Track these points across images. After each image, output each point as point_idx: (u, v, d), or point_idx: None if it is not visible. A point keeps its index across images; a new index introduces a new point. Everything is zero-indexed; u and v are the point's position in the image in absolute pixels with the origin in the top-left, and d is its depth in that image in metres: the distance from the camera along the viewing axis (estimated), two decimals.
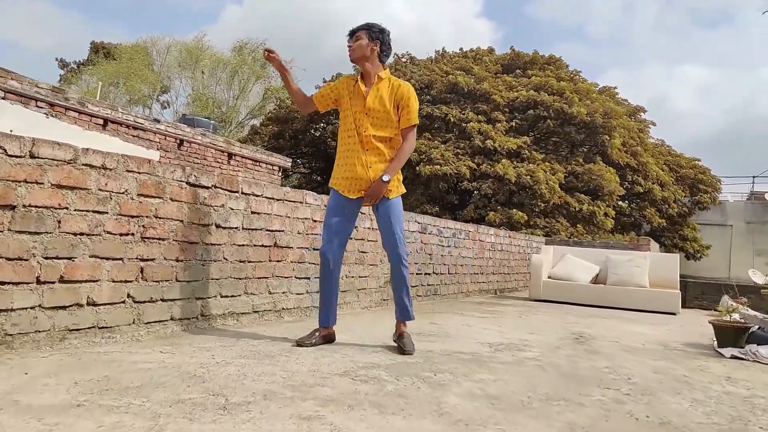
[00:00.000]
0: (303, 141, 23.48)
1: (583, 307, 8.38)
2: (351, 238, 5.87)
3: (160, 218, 3.81)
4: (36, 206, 3.11)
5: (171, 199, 3.90)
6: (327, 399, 2.60)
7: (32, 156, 3.09)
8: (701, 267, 24.40)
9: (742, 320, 5.17)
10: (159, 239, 3.80)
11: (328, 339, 3.99)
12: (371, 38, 3.91)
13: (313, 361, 3.37)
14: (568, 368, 3.74)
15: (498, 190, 15.68)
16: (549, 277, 9.20)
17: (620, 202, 20.28)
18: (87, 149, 3.35)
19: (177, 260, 3.94)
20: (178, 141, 11.79)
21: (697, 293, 21.58)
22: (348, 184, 3.87)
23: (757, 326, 5.02)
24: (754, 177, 34.51)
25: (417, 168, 15.99)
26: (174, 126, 12.14)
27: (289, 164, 16.62)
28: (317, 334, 3.93)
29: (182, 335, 3.84)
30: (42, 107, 8.82)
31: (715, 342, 5.04)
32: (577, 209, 16.22)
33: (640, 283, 8.70)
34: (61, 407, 2.22)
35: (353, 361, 3.45)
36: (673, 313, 8.37)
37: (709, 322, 5.25)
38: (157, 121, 11.60)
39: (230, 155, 13.25)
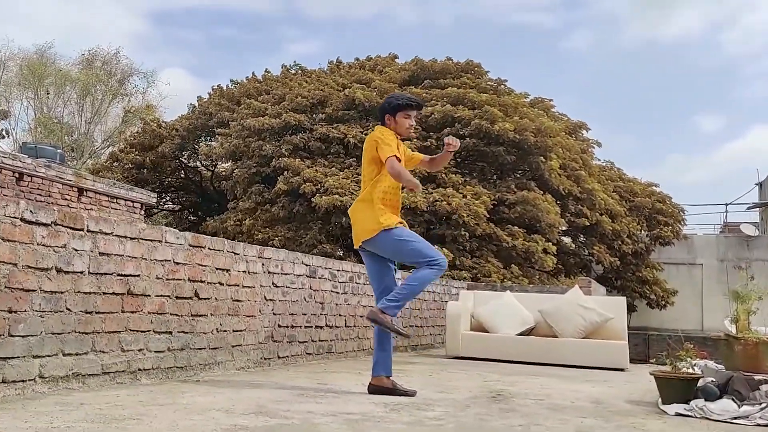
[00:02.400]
0: (168, 169, 23.63)
1: (510, 364, 8.76)
2: (222, 284, 6.30)
3: None
4: None
5: (2, 239, 4.27)
6: None
7: None
8: (668, 317, 24.77)
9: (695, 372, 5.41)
10: None
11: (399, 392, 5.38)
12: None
13: (169, 423, 3.74)
14: (473, 428, 4.15)
15: (412, 223, 16.06)
16: (470, 329, 9.67)
17: (564, 238, 20.96)
18: None
19: (10, 311, 4.29)
20: (16, 175, 11.94)
21: (661, 349, 22.18)
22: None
23: (710, 380, 5.28)
24: (726, 205, 34.01)
25: (312, 200, 16.44)
26: (11, 157, 12.29)
27: (154, 200, 16.88)
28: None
29: (16, 400, 4.17)
30: None
31: (660, 399, 5.29)
32: (509, 245, 16.70)
33: (578, 334, 9.11)
34: None
35: (216, 423, 3.82)
36: (621, 369, 8.77)
37: (651, 373, 5.50)
38: None
39: (81, 191, 13.45)
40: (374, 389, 5.39)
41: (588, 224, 19.84)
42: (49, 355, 4.56)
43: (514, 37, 67.16)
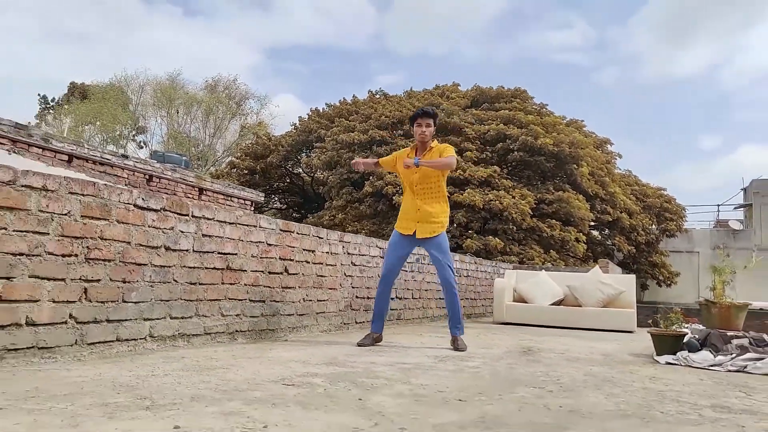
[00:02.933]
0: (276, 176, 23.54)
1: (545, 328, 8.42)
2: (308, 262, 5.92)
3: (105, 239, 3.84)
4: None
5: (117, 221, 3.94)
6: (253, 399, 2.63)
7: None
8: (671, 293, 24.65)
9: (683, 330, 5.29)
10: (104, 260, 3.83)
11: (378, 340, 5.26)
12: (435, 125, 5.27)
13: (253, 371, 3.40)
14: (504, 374, 3.79)
15: (471, 219, 15.83)
16: (513, 301, 9.26)
17: (593, 231, 20.52)
18: (27, 171, 3.40)
19: (124, 281, 3.96)
20: (147, 177, 11.79)
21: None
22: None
23: (693, 336, 5.14)
24: (718, 206, 34.59)
25: (392, 199, 16.14)
26: (143, 162, 12.15)
27: (262, 199, 16.68)
28: (371, 336, 5.18)
29: (127, 355, 3.85)
30: (4, 144, 8.84)
31: (654, 352, 5.19)
32: (548, 235, 16.36)
33: (598, 304, 8.83)
34: None
35: (292, 371, 3.48)
36: (630, 332, 8.47)
37: (647, 332, 5.47)
38: (125, 156, 11.62)
39: (201, 190, 13.26)
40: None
41: (611, 220, 19.62)
42: (158, 318, 4.22)
43: (554, 71, 66.38)
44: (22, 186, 3.36)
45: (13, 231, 3.31)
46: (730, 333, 5.00)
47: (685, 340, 5.00)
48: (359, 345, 5.06)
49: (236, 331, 4.95)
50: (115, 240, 3.92)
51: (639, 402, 2.94)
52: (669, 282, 23.38)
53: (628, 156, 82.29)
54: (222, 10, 60.42)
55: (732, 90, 70.05)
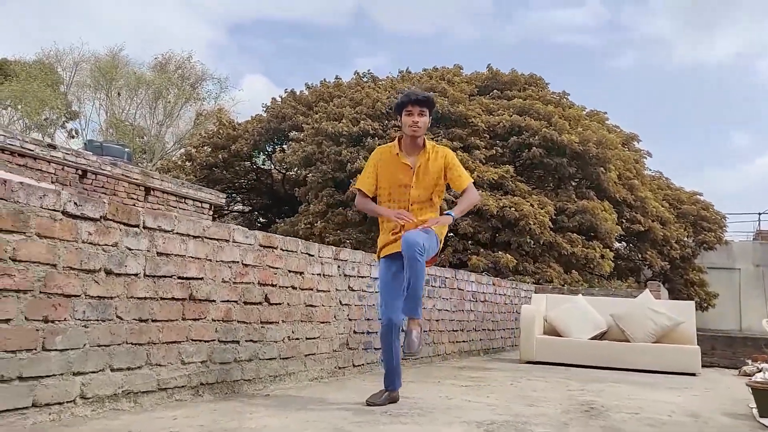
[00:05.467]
0: (242, 172, 22.70)
1: (584, 369, 7.93)
2: (295, 288, 5.21)
3: (18, 261, 3.10)
4: None
5: (38, 235, 3.20)
6: None
7: None
8: (709, 318, 23.89)
9: None
10: (17, 291, 3.09)
11: (395, 400, 4.53)
12: (430, 115, 4.63)
13: None
14: None
15: (479, 228, 15.15)
16: (543, 333, 8.71)
17: (617, 244, 20.00)
18: None
19: (45, 320, 3.22)
20: (80, 172, 11.02)
21: (707, 348, 21.24)
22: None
23: None
24: (759, 214, 33.96)
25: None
26: (75, 154, 11.35)
27: (223, 201, 15.91)
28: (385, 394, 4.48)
29: (49, 428, 3.10)
30: None
31: (756, 410, 4.72)
32: (569, 252, 15.77)
33: (649, 338, 8.34)
34: None
35: None
36: (693, 374, 7.97)
37: (747, 385, 4.97)
38: (53, 146, 10.83)
39: (148, 190, 12.50)
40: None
41: (642, 230, 19.08)
42: (93, 371, 3.48)
43: (562, 54, 66.14)
44: None
45: None
46: None
47: None
48: (369, 404, 4.33)
49: (201, 383, 4.23)
50: (33, 262, 3.17)
51: None
52: (707, 305, 22.71)
53: (654, 155, 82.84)
54: None
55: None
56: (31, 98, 30.03)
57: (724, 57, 68.09)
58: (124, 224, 3.71)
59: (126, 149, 14.88)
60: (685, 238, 21.96)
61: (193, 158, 22.78)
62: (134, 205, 11.96)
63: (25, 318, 3.13)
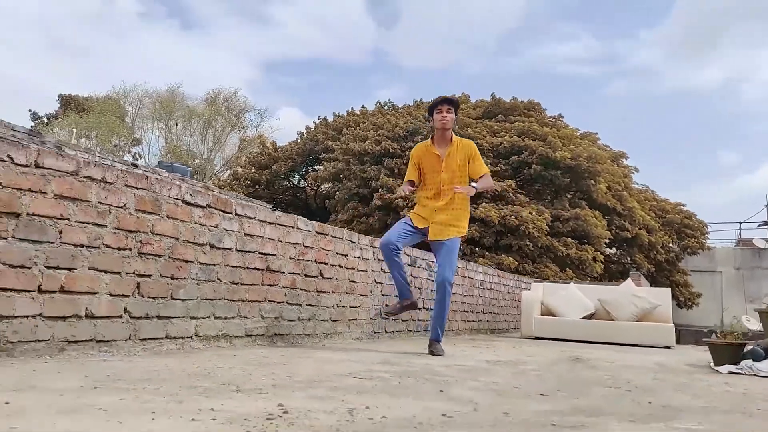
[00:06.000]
0: (281, 189, 23.64)
1: (576, 343, 8.54)
2: (342, 267, 6.04)
3: (156, 234, 3.97)
4: (39, 215, 3.26)
5: (167, 216, 4.07)
6: (335, 388, 2.75)
7: (37, 166, 3.26)
8: (693, 316, 24.12)
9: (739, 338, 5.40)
10: (155, 255, 3.95)
11: (412, 307, 5.27)
12: (456, 114, 5.24)
13: (314, 368, 3.52)
14: (568, 376, 3.92)
15: (484, 234, 15.88)
16: (540, 315, 9.38)
17: (608, 249, 20.55)
18: (89, 161, 3.53)
19: (172, 278, 4.08)
20: None
21: (690, 341, 21.76)
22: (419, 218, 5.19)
23: (756, 344, 5.19)
24: (740, 223, 34.47)
25: (401, 214, 16.22)
26: (152, 171, 12.29)
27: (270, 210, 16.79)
28: (399, 304, 5.23)
29: (177, 353, 3.95)
30: None
31: (712, 362, 5.26)
32: (564, 254, 16.45)
33: (631, 318, 8.93)
34: (79, 389, 2.35)
35: (354, 368, 3.60)
36: (668, 347, 8.55)
37: (704, 341, 5.67)
38: (135, 165, 11.75)
39: None
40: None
41: (629, 236, 19.55)
42: (203, 317, 4.33)
43: (562, 84, 66.98)
44: (84, 177, 3.49)
45: (75, 222, 3.43)
46: None
47: (746, 349, 5.07)
48: (386, 315, 5.48)
49: (275, 334, 5.07)
50: (165, 235, 4.04)
51: (728, 401, 3.05)
52: (691, 304, 23.26)
53: (643, 172, 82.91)
54: (218, 24, 61.16)
55: (753, 103, 70.30)
56: (103, 128, 31.92)
57: (712, 82, 68.79)
58: (222, 211, 4.57)
59: (188, 168, 15.81)
60: (670, 244, 22.34)
61: (239, 177, 23.78)
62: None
63: (160, 275, 3.99)
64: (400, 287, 5.23)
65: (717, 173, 69.30)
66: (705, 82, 68.78)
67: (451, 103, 5.20)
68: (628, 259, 20.68)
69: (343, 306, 6.06)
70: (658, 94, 68.33)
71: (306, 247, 5.50)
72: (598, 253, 17.31)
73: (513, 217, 15.59)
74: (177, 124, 35.18)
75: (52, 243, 3.31)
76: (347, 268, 6.14)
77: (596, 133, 21.94)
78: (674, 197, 42.28)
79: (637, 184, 23.89)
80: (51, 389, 2.32)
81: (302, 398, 2.43)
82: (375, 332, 6.63)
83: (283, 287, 5.19)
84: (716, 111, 71.73)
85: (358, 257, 6.34)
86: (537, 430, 2.06)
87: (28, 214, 3.21)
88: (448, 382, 3.20)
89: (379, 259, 6.76)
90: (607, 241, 19.09)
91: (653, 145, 70.38)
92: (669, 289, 9.81)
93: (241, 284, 4.72)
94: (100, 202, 3.59)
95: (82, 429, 1.73)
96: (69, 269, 3.39)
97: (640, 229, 19.92)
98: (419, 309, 5.38)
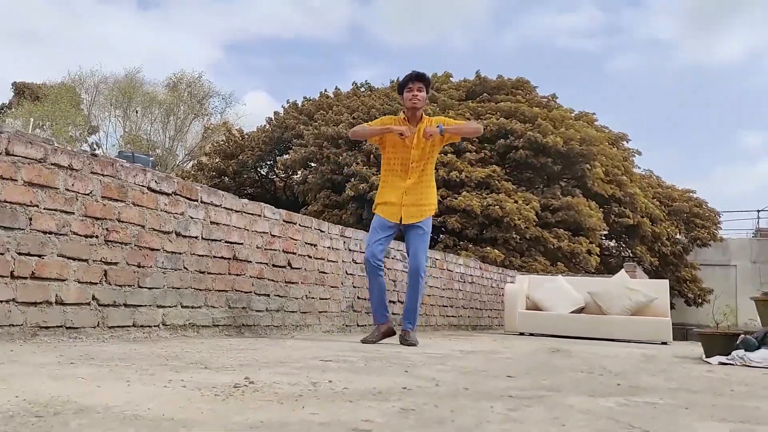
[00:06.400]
0: (249, 181, 24.00)
1: (563, 339, 8.80)
2: (310, 257, 6.54)
3: (122, 222, 4.45)
4: (10, 202, 3.73)
5: (133, 204, 4.55)
6: (301, 367, 3.25)
7: (8, 153, 3.73)
8: (703, 314, 22.94)
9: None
10: (122, 243, 4.43)
11: (388, 333, 5.57)
12: (427, 92, 5.57)
13: (283, 353, 4.01)
14: (542, 362, 4.42)
15: (467, 225, 16.14)
16: (526, 309, 9.76)
17: (607, 242, 20.84)
18: (56, 148, 4.00)
19: (139, 266, 4.56)
20: None
21: (698, 341, 21.82)
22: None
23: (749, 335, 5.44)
24: (758, 211, 32.85)
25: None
26: (113, 160, 12.71)
27: None
28: (377, 332, 5.51)
29: (144, 341, 4.43)
30: None
31: (704, 354, 5.52)
32: (555, 246, 16.67)
33: (625, 312, 9.18)
34: (57, 364, 2.84)
35: (322, 354, 4.09)
36: (665, 343, 8.82)
37: (695, 331, 5.90)
38: (95, 155, 12.10)
39: None
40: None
41: (631, 224, 19.61)
42: (170, 306, 4.82)
43: (560, 59, 67.41)
44: (52, 164, 3.97)
45: (44, 209, 3.90)
46: None
47: (740, 340, 5.29)
48: (365, 342, 5.41)
49: (243, 325, 5.56)
50: (130, 223, 4.52)
51: (704, 384, 3.44)
52: (701, 300, 23.28)
53: (651, 156, 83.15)
54: (178, 1, 61.25)
55: None
56: (59, 117, 32.32)
57: (732, 55, 68.70)
58: (188, 198, 5.05)
59: (150, 158, 16.32)
60: (677, 235, 22.54)
61: (204, 167, 24.13)
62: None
63: (127, 263, 4.48)
64: (376, 308, 5.59)
65: (737, 157, 69.29)
66: (725, 55, 68.26)
67: (422, 80, 5.48)
68: (629, 252, 20.77)
69: (313, 297, 6.56)
70: (671, 69, 68.50)
71: (273, 236, 5.99)
72: (594, 245, 17.42)
73: (497, 207, 15.75)
74: (136, 112, 35.74)
75: (23, 230, 3.78)
76: (316, 259, 6.64)
77: (593, 113, 22.02)
78: (687, 184, 42.22)
79: (640, 168, 23.87)
80: (32, 363, 2.81)
81: (268, 374, 2.93)
82: (346, 325, 7.14)
83: (251, 277, 5.68)
84: (738, 88, 71.43)
85: (328, 247, 6.84)
86: (493, 402, 2.52)
87: (0, 201, 3.68)
88: (416, 365, 3.71)
89: (350, 249, 7.27)
90: (605, 232, 19.33)
91: (663, 127, 70.48)
92: (666, 281, 10.01)
93: (208, 273, 5.20)
94: (68, 189, 4.06)
95: (67, 391, 2.21)
96: (39, 256, 3.86)
97: (642, 217, 19.97)
98: (393, 332, 5.70)
